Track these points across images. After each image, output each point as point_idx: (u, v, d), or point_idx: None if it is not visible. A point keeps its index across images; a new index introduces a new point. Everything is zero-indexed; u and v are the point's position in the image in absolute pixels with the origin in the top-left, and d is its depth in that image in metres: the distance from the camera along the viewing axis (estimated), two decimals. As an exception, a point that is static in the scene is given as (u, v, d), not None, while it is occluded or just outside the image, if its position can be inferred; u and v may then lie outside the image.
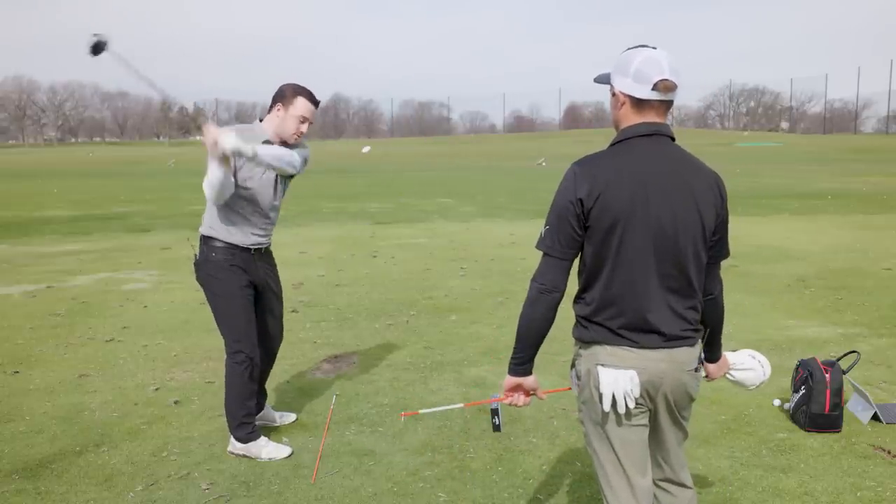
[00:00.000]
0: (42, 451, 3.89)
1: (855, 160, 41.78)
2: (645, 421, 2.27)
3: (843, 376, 4.14)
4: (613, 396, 2.18)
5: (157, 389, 4.85)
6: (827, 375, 4.07)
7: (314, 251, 10.68)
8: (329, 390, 4.81)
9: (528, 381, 2.37)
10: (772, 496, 3.37)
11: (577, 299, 2.30)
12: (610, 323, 2.20)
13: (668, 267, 2.17)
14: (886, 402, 4.45)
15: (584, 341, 2.27)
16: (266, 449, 3.78)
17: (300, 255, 10.35)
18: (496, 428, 4.10)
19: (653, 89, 2.15)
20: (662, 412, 2.27)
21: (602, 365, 2.20)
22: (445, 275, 8.92)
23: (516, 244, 11.47)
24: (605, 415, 2.22)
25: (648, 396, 2.22)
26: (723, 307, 2.39)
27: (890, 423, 4.15)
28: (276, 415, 4.24)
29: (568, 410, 4.43)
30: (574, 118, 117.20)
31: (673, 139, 2.24)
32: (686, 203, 2.16)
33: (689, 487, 2.43)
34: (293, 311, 6.91)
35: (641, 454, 2.28)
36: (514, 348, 2.33)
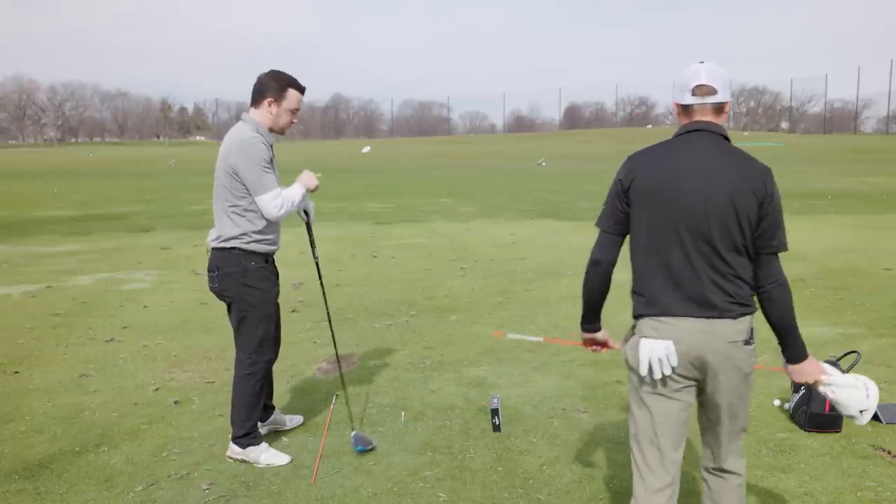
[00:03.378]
0: (42, 451, 3.89)
1: (855, 160, 41.77)
2: (686, 397, 2.45)
3: (843, 376, 4.14)
4: (650, 364, 2.39)
5: (157, 389, 4.85)
6: (827, 375, 4.07)
7: (314, 251, 10.68)
8: (329, 390, 4.81)
9: (599, 335, 2.72)
10: (772, 496, 3.37)
11: (632, 273, 2.53)
12: (649, 295, 2.43)
13: (700, 244, 2.37)
14: (886, 402, 4.45)
15: (633, 315, 2.51)
16: (265, 454, 3.76)
17: (300, 255, 10.35)
18: (496, 428, 4.13)
19: (692, 94, 2.46)
20: (710, 387, 2.43)
21: (644, 336, 2.42)
22: (445, 275, 8.92)
23: (516, 244, 11.47)
24: (644, 382, 2.45)
25: (694, 367, 2.40)
26: (782, 302, 2.41)
27: (890, 423, 4.15)
28: (286, 418, 4.23)
29: (568, 410, 4.43)
30: (574, 118, 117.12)
31: (725, 137, 2.46)
32: (717, 190, 2.35)
33: (737, 474, 2.56)
34: (293, 311, 6.91)
35: (676, 428, 2.46)
36: (582, 312, 2.68)
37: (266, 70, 3.77)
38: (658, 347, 2.37)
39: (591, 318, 2.68)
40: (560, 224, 14.21)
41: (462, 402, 4.60)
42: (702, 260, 2.37)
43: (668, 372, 2.38)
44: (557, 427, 4.19)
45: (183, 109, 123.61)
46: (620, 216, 2.50)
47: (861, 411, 2.55)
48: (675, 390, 2.42)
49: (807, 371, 2.52)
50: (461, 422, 4.28)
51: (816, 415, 4.03)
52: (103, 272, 9.30)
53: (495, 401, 4.23)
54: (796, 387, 4.23)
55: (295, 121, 3.78)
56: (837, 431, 4.04)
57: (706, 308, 2.36)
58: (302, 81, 3.77)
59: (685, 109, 2.50)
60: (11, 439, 4.05)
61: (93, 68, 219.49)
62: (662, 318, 2.39)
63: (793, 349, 2.49)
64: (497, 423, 4.14)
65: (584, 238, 12.08)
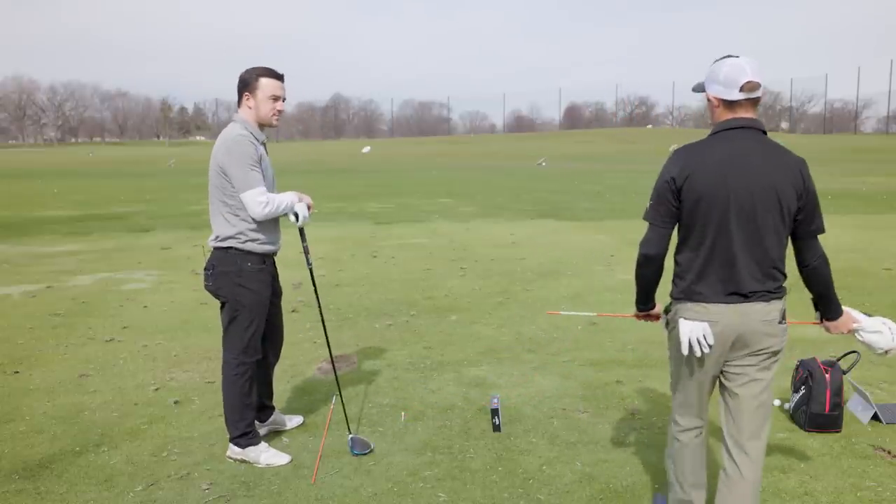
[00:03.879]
0: (42, 451, 3.88)
1: (855, 160, 41.77)
2: (716, 367, 2.73)
3: (843, 376, 4.14)
4: (690, 343, 2.67)
5: (157, 389, 4.85)
6: (827, 375, 4.07)
7: (314, 251, 10.63)
8: (329, 390, 4.81)
9: (653, 312, 3.00)
10: (772, 496, 3.36)
11: (674, 261, 2.76)
12: (693, 283, 2.67)
13: (745, 238, 2.59)
14: (886, 402, 4.45)
15: (674, 297, 2.76)
16: (265, 454, 3.75)
17: (300, 255, 10.34)
18: (496, 428, 4.13)
19: (740, 91, 2.57)
20: (740, 360, 2.70)
21: (684, 318, 2.69)
22: (445, 275, 8.92)
23: (516, 244, 11.47)
24: (682, 357, 2.75)
25: (728, 344, 2.66)
26: (825, 274, 2.78)
27: (890, 423, 4.15)
28: (286, 418, 4.23)
29: (568, 410, 4.43)
30: (574, 118, 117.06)
31: (763, 132, 2.64)
32: (763, 184, 2.56)
33: (751, 458, 2.74)
34: (293, 311, 6.91)
35: (707, 388, 2.81)
36: (636, 296, 2.96)
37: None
38: (696, 329, 2.64)
39: (645, 300, 2.95)
40: (560, 224, 14.21)
41: (462, 402, 4.60)
42: (746, 253, 2.60)
43: (706, 350, 2.65)
44: (557, 427, 4.19)
45: (183, 109, 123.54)
46: (672, 211, 2.67)
47: (887, 350, 2.99)
48: (706, 367, 2.72)
49: (843, 323, 2.92)
50: (461, 422, 4.27)
51: (816, 415, 4.02)
52: (103, 272, 9.30)
53: (495, 401, 4.23)
54: (796, 386, 4.23)
55: (280, 108, 3.71)
56: (837, 431, 4.04)
57: (742, 296, 2.62)
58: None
59: (728, 104, 2.62)
60: (11, 439, 4.05)
61: (93, 68, 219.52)
62: (701, 304, 2.65)
63: (833, 309, 2.87)
64: (497, 423, 4.14)
65: (584, 238, 12.09)
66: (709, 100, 2.69)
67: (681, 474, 2.91)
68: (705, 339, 2.64)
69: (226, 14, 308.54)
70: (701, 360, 2.71)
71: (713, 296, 2.63)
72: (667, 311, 2.88)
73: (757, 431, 2.73)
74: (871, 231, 12.39)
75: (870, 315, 3.04)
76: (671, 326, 2.82)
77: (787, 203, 2.59)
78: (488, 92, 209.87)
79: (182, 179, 29.07)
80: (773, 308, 2.64)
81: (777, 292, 2.66)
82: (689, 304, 2.67)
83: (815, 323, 2.98)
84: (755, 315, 2.62)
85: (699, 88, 2.75)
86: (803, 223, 2.67)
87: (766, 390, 2.73)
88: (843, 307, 2.92)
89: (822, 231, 2.72)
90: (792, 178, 2.59)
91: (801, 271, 2.76)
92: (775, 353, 2.70)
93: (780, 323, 2.67)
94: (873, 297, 7.42)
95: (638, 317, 3.07)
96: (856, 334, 3.00)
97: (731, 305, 2.61)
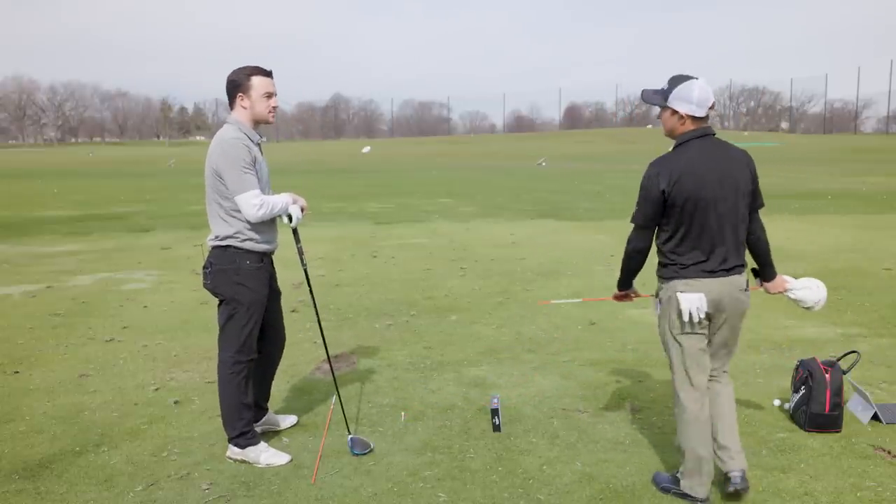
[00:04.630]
0: (42, 451, 3.88)
1: (855, 160, 41.76)
2: (705, 332, 3.26)
3: (843, 376, 4.14)
4: (690, 311, 3.16)
5: (157, 389, 4.85)
6: (827, 375, 4.07)
7: (314, 251, 10.67)
8: (329, 390, 4.81)
9: (630, 292, 3.59)
10: (772, 496, 3.36)
11: (666, 250, 3.26)
12: (685, 265, 3.19)
13: (722, 224, 3.16)
14: (886, 402, 4.45)
15: (665, 278, 3.28)
16: (265, 454, 3.74)
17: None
18: (496, 428, 4.14)
19: (708, 109, 3.17)
20: (724, 320, 3.26)
21: (681, 292, 3.19)
22: (445, 275, 8.92)
23: (516, 244, 11.47)
24: (682, 325, 3.22)
25: (715, 310, 3.21)
26: (766, 242, 3.41)
27: (890, 423, 4.15)
28: (280, 418, 4.22)
29: (568, 410, 4.43)
30: (574, 118, 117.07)
31: (714, 134, 3.22)
32: (728, 179, 3.15)
33: (728, 378, 3.45)
34: (293, 311, 6.91)
35: (701, 357, 3.28)
36: (619, 280, 3.53)
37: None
38: (694, 299, 3.16)
39: (628, 283, 3.53)
40: (560, 224, 14.21)
41: (462, 402, 4.60)
42: (723, 236, 3.17)
43: (703, 316, 3.18)
44: (557, 427, 4.19)
45: (183, 109, 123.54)
46: (658, 214, 3.20)
47: (816, 302, 3.58)
48: (700, 327, 3.23)
49: (777, 283, 3.54)
50: (461, 422, 4.27)
51: (816, 415, 4.02)
52: (103, 272, 9.30)
53: (495, 401, 4.23)
54: (796, 387, 4.22)
55: (274, 104, 3.71)
56: (837, 431, 4.03)
57: (725, 270, 3.19)
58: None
59: (695, 118, 3.18)
60: (11, 439, 4.05)
61: (93, 68, 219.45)
62: (695, 278, 3.17)
63: (769, 272, 3.52)
64: (497, 423, 4.14)
65: (584, 238, 12.09)
66: (675, 113, 3.19)
67: (686, 440, 3.31)
68: (701, 306, 3.15)
69: (226, 14, 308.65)
70: (696, 326, 3.21)
71: (703, 273, 3.17)
72: (657, 294, 3.36)
73: (724, 366, 3.41)
74: (871, 231, 12.38)
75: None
76: (664, 304, 3.29)
77: (745, 188, 3.20)
78: (488, 92, 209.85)
79: (182, 179, 29.09)
80: (742, 278, 3.26)
81: (743, 265, 3.27)
82: (687, 280, 3.18)
83: (755, 288, 3.52)
84: (735, 284, 3.22)
85: (657, 102, 3.25)
86: (753, 202, 3.28)
87: (738, 342, 3.42)
88: (780, 275, 3.54)
89: (763, 205, 3.33)
90: (747, 169, 3.22)
91: (747, 239, 3.32)
92: (744, 312, 3.31)
93: (745, 290, 3.27)
94: (873, 297, 7.42)
95: (617, 297, 3.63)
96: (788, 293, 3.54)
97: (718, 278, 3.17)
